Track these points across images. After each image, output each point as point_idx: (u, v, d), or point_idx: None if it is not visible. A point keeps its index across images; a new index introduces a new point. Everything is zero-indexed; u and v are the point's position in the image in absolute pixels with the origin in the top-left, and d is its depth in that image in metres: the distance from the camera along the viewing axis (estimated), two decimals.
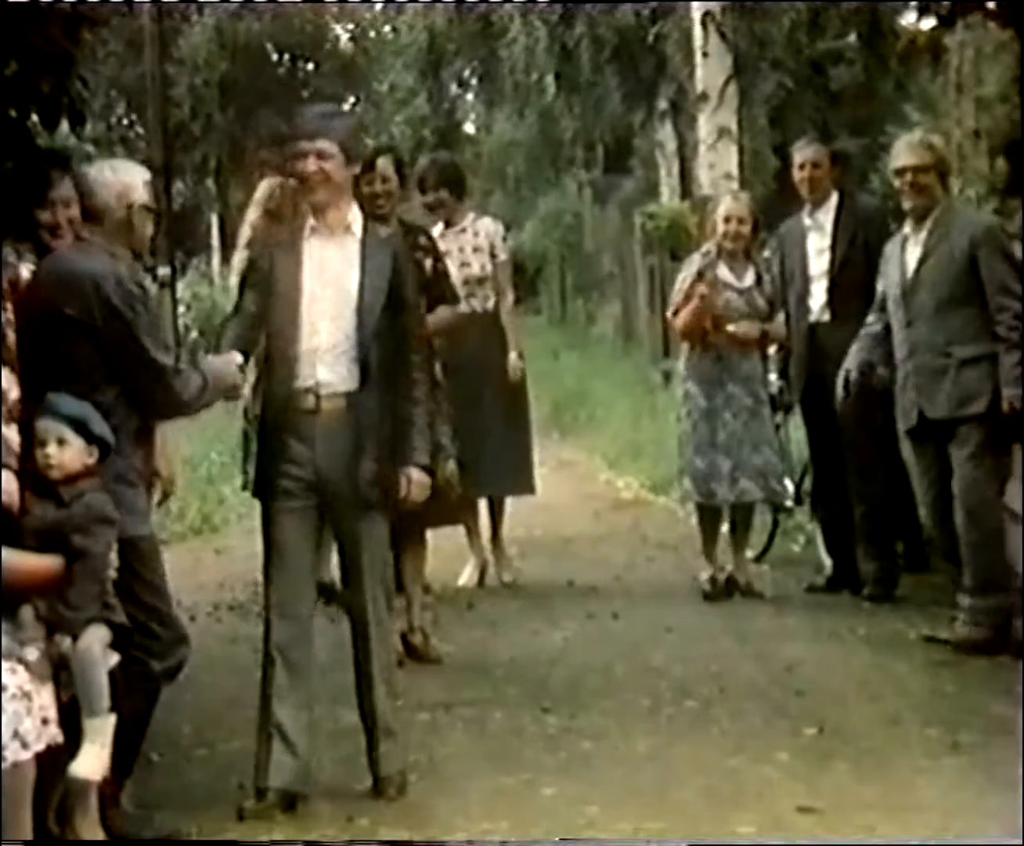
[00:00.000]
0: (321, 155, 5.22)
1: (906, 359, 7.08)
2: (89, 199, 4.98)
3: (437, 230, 8.33)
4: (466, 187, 8.82)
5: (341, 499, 5.23)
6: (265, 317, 5.30)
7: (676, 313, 8.09)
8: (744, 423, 8.02)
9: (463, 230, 8.43)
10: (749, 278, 8.09)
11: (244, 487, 6.83)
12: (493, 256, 8.44)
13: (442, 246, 8.13)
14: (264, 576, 5.34)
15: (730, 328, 7.96)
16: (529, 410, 8.79)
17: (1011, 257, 6.94)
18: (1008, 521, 7.49)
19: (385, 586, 5.36)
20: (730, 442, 7.97)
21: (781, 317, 8.17)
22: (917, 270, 7.06)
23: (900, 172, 7.13)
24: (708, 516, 8.16)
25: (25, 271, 4.96)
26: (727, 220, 8.06)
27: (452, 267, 8.12)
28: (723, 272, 8.03)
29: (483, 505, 8.69)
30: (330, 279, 5.28)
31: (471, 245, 8.41)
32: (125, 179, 5.00)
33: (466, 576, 8.59)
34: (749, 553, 8.76)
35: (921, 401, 7.06)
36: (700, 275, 7.98)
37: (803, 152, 8.12)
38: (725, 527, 8.33)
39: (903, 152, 7.19)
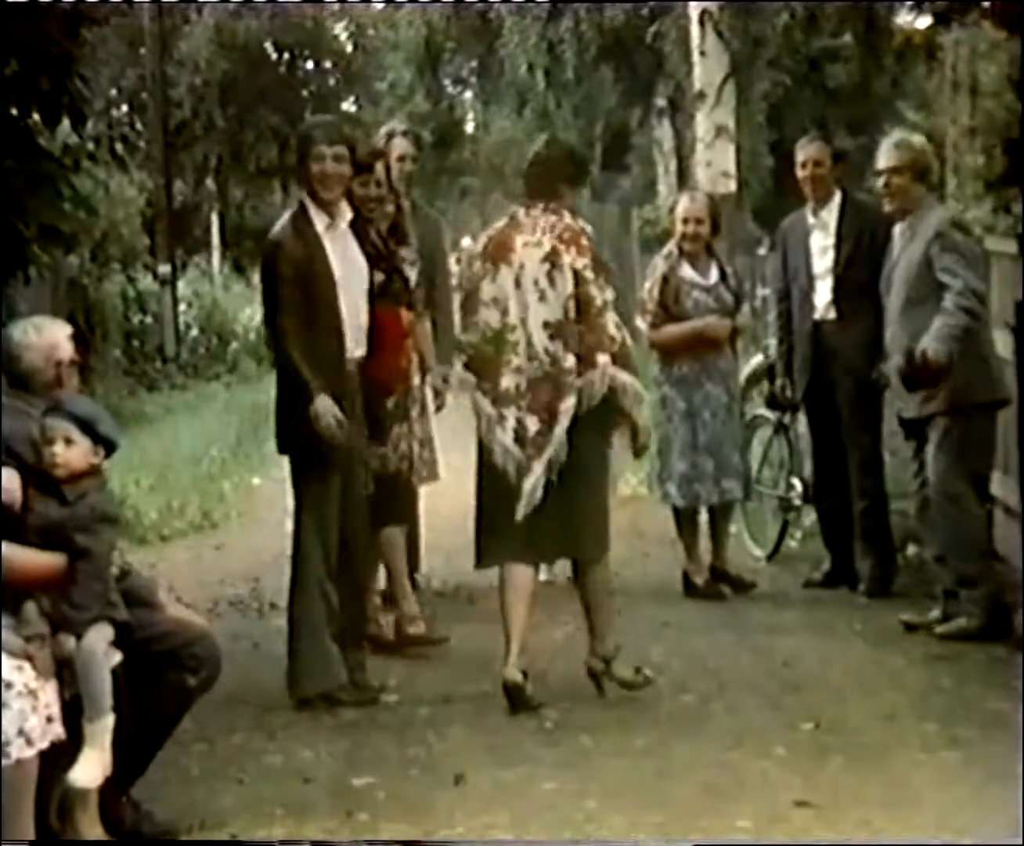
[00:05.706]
0: (338, 158, 5.99)
1: (887, 360, 7.18)
2: (16, 365, 4.80)
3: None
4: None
5: None
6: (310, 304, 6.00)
7: (653, 325, 7.98)
8: (722, 422, 8.01)
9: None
10: (713, 275, 8.09)
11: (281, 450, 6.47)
12: None
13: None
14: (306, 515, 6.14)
15: (699, 323, 7.95)
16: None
17: (959, 249, 6.88)
18: (1002, 515, 7.53)
19: None
20: (711, 443, 7.96)
21: (747, 308, 8.39)
22: (892, 271, 7.12)
23: (876, 176, 7.29)
24: (689, 517, 8.14)
25: None
26: (685, 221, 8.04)
27: None
28: (687, 272, 8.02)
29: None
30: (351, 264, 6.13)
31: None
32: (50, 338, 4.88)
33: None
34: (758, 552, 8.79)
35: (897, 401, 7.16)
36: (666, 280, 7.97)
37: (806, 150, 8.05)
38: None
39: (879, 156, 7.27)
